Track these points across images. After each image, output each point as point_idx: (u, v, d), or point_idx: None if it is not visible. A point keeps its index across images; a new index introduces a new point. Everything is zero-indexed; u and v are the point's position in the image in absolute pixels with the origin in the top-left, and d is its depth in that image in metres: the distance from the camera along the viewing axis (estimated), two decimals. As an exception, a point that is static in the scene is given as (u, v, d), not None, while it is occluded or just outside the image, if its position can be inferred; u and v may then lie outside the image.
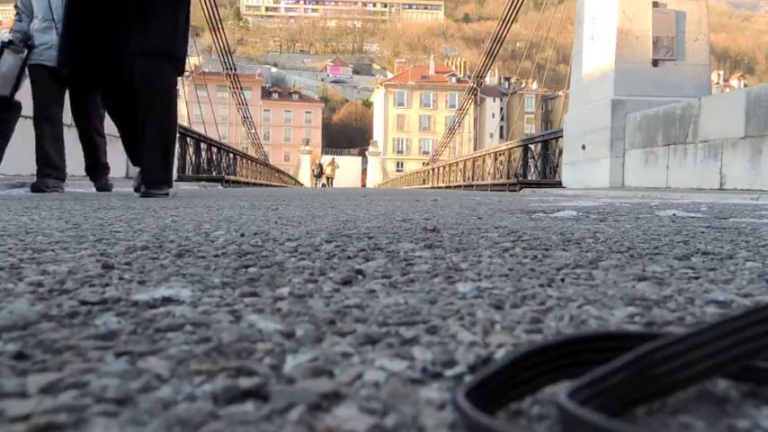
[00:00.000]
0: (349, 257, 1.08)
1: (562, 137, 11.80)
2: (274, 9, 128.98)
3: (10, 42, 4.75)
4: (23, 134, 4.98)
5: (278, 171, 34.78)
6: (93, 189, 5.15)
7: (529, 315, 0.64)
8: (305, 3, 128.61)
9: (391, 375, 0.44)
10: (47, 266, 0.92)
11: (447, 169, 25.31)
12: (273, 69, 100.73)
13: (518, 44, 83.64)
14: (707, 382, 0.40)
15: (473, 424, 0.32)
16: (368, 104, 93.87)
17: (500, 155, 16.90)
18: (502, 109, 60.87)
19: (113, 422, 0.35)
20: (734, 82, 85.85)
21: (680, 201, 4.56)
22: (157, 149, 3.87)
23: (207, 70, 42.48)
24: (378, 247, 1.24)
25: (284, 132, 76.29)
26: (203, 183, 11.27)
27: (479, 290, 0.78)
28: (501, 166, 16.58)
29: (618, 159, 9.36)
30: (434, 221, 1.99)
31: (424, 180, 30.94)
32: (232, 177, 15.53)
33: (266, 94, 76.17)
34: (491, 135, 59.72)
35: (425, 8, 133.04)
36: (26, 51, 4.84)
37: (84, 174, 5.38)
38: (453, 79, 73.07)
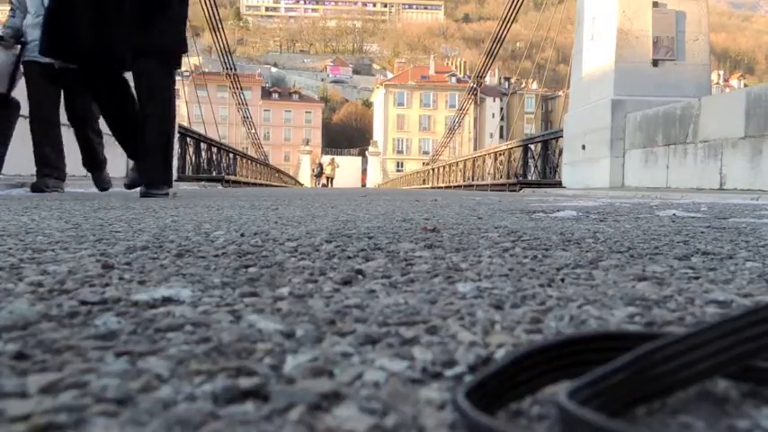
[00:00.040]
0: (349, 257, 1.08)
1: (562, 137, 11.80)
2: (274, 9, 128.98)
3: (0, 38, 4.69)
4: (23, 134, 4.97)
5: (278, 171, 34.78)
6: (94, 189, 5.13)
7: (529, 315, 0.64)
8: (305, 3, 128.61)
9: (391, 375, 0.44)
10: (47, 266, 0.92)
11: (447, 169, 25.31)
12: (273, 69, 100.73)
13: (518, 44, 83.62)
14: (707, 382, 0.40)
15: (473, 424, 0.32)
16: (368, 104, 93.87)
17: (500, 155, 16.91)
18: (502, 109, 60.87)
19: (113, 422, 0.35)
20: (734, 82, 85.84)
21: (680, 201, 4.56)
22: (157, 150, 3.87)
23: (207, 70, 42.48)
24: (378, 247, 1.24)
25: (284, 132, 76.29)
26: (203, 183, 11.28)
27: (479, 290, 0.78)
28: (501, 166, 16.59)
29: (618, 159, 9.36)
30: (434, 221, 1.99)
31: (424, 180, 30.94)
32: (232, 177, 15.53)
33: (266, 94, 76.17)
34: (491, 135, 59.72)
35: (425, 8, 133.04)
36: (18, 47, 4.79)
37: (84, 173, 5.38)
38: (453, 79, 73.06)
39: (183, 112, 20.99)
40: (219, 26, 23.61)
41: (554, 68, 56.34)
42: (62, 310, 0.63)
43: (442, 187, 21.38)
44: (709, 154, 7.18)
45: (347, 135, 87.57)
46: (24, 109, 4.90)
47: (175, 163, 8.30)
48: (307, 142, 71.61)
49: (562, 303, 0.70)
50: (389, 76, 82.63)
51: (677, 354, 0.36)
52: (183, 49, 4.02)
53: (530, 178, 13.62)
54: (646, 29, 9.47)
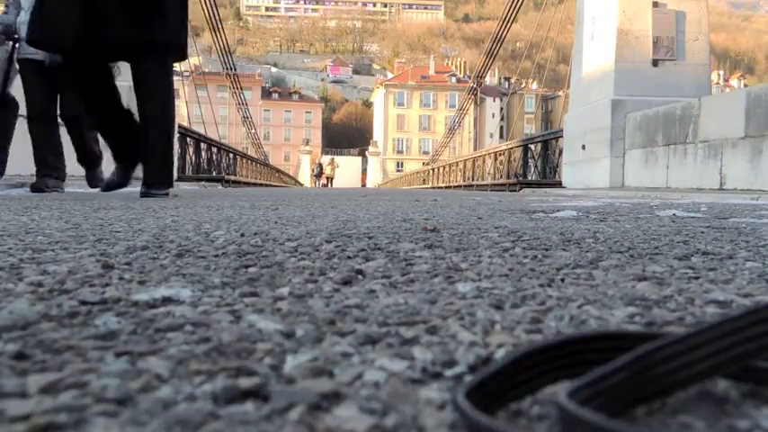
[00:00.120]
0: (349, 257, 1.08)
1: (562, 137, 11.81)
2: (274, 9, 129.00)
3: None
4: (23, 134, 4.97)
5: (278, 171, 34.78)
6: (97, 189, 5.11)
7: (529, 315, 0.64)
8: (305, 3, 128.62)
9: (391, 375, 0.44)
10: (47, 266, 0.92)
11: (447, 169, 25.32)
12: (273, 69, 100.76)
13: (518, 44, 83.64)
14: (707, 382, 0.40)
15: (473, 424, 0.32)
16: (368, 104, 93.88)
17: (500, 155, 16.91)
18: (502, 109, 60.87)
19: (113, 422, 0.35)
20: (734, 82, 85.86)
21: (680, 201, 4.56)
22: (157, 150, 3.86)
23: (207, 70, 42.48)
24: (378, 247, 1.24)
25: (284, 132, 76.31)
26: (203, 183, 11.28)
27: (479, 290, 0.78)
28: (501, 166, 16.59)
29: (618, 159, 9.36)
30: (434, 221, 1.99)
31: (424, 180, 30.95)
32: (232, 177, 15.53)
33: (266, 94, 76.20)
34: (491, 135, 59.73)
35: (425, 8, 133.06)
36: (10, 44, 4.76)
37: (84, 173, 5.37)
38: (453, 79, 73.09)
39: (183, 112, 20.99)
40: (219, 26, 23.61)
41: (554, 68, 56.35)
42: (62, 310, 0.63)
43: (441, 187, 21.39)
44: (709, 154, 7.18)
45: (347, 135, 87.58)
46: (23, 109, 4.89)
47: (175, 163, 8.27)
48: (307, 142, 71.63)
49: (562, 303, 0.70)
50: (389, 76, 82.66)
51: (677, 354, 0.36)
52: (182, 47, 3.95)
53: (530, 178, 13.62)
54: (646, 29, 9.47)
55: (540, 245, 1.30)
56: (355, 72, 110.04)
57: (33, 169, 4.91)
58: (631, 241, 1.40)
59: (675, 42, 9.46)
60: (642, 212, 2.71)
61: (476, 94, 39.77)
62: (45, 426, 0.35)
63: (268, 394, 0.40)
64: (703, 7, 9.64)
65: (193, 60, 25.83)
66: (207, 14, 22.26)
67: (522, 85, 57.79)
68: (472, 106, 43.83)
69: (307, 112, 78.37)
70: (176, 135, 10.69)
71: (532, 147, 14.61)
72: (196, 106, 21.06)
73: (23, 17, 4.62)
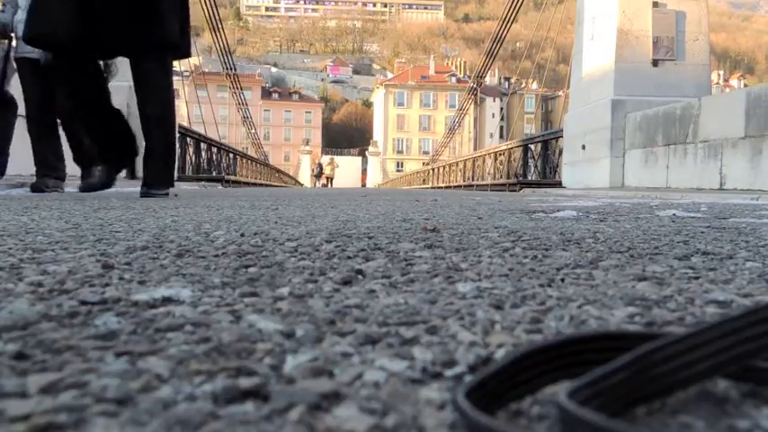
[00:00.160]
0: (349, 257, 1.08)
1: (562, 137, 11.81)
2: (274, 9, 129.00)
3: None
4: (23, 134, 4.97)
5: (278, 171, 34.79)
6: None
7: (529, 315, 0.64)
8: (305, 3, 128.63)
9: (391, 375, 0.44)
10: (47, 266, 0.92)
11: (447, 169, 25.32)
12: (273, 69, 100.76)
13: (518, 44, 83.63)
14: (707, 382, 0.40)
15: (473, 424, 0.32)
16: (368, 104, 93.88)
17: (500, 155, 16.91)
18: (502, 109, 60.87)
19: (113, 422, 0.35)
20: (734, 82, 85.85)
21: (680, 201, 4.56)
22: (158, 150, 3.86)
23: (207, 70, 42.46)
24: (378, 247, 1.24)
25: (284, 132, 76.32)
26: (203, 183, 11.28)
27: (479, 290, 0.78)
28: (501, 166, 16.59)
29: (618, 159, 9.37)
30: (434, 221, 1.99)
31: (424, 180, 30.95)
32: (232, 177, 15.53)
33: (266, 94, 76.20)
34: (491, 135, 59.73)
35: (425, 8, 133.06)
36: (6, 42, 4.75)
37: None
38: (453, 79, 73.09)
39: (183, 112, 20.98)
40: (219, 26, 23.61)
41: (554, 68, 56.35)
42: (62, 310, 0.63)
43: (442, 187, 21.39)
44: (709, 154, 7.19)
45: (347, 135, 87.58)
46: (23, 109, 4.89)
47: (176, 163, 8.26)
48: (307, 142, 71.62)
49: (562, 303, 0.70)
50: (389, 76, 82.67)
51: (677, 354, 0.36)
52: (178, 45, 3.91)
53: (530, 178, 13.62)
54: (646, 29, 9.47)
55: (540, 245, 1.30)
56: (355, 72, 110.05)
57: (33, 169, 4.91)
58: (631, 241, 1.40)
59: (675, 42, 9.46)
60: (642, 212, 2.71)
61: (476, 94, 39.78)
62: (45, 426, 0.35)
63: (268, 394, 0.40)
64: (703, 7, 9.64)
65: (193, 60, 25.82)
66: (207, 14, 22.25)
67: (522, 85, 57.79)
68: (472, 106, 43.83)
69: (307, 112, 78.37)
70: (176, 135, 10.68)
71: (532, 147, 14.61)
72: (196, 106, 21.06)
73: (20, 15, 4.58)
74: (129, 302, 0.68)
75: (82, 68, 3.69)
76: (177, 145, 11.55)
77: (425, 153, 64.30)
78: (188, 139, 13.65)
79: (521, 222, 2.01)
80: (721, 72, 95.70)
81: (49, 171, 4.77)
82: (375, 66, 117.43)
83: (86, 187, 4.14)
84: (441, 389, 0.42)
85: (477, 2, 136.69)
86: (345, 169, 55.45)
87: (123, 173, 4.34)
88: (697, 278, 0.89)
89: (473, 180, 18.55)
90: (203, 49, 43.63)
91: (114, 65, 4.41)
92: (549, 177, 12.82)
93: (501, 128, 59.13)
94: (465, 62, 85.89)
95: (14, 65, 4.79)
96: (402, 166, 66.26)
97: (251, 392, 0.40)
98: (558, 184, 11.11)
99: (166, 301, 0.69)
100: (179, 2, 3.86)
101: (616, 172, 9.34)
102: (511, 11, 22.74)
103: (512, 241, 1.37)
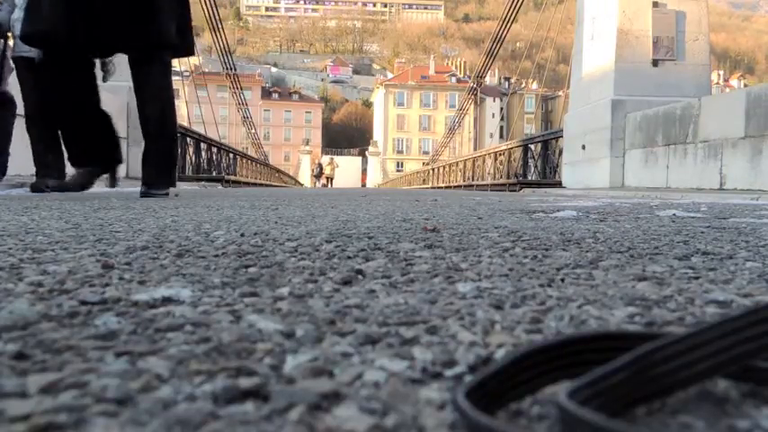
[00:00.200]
0: (349, 257, 1.08)
1: (562, 137, 11.81)
2: (274, 9, 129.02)
3: None
4: (23, 134, 4.96)
5: (278, 171, 34.79)
6: (94, 189, 5.10)
7: (529, 315, 0.64)
8: (305, 3, 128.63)
9: (391, 375, 0.44)
10: (47, 266, 0.92)
11: (447, 169, 25.32)
12: (273, 69, 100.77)
13: (518, 44, 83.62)
14: (707, 382, 0.40)
15: (473, 424, 0.32)
16: (368, 104, 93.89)
17: (500, 155, 16.92)
18: (502, 109, 60.88)
19: (113, 422, 0.35)
20: (734, 82, 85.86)
21: (680, 201, 4.56)
22: (158, 150, 3.86)
23: (207, 70, 42.48)
24: (378, 247, 1.24)
25: (284, 132, 76.32)
26: (203, 183, 11.29)
27: (479, 290, 0.78)
28: (501, 166, 16.59)
29: (618, 159, 9.37)
30: (434, 221, 1.99)
31: (424, 180, 30.96)
32: (232, 177, 15.54)
33: (266, 94, 76.21)
34: (491, 135, 59.73)
35: (425, 8, 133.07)
36: (3, 41, 4.73)
37: None
38: (453, 79, 73.10)
39: (183, 112, 21.00)
40: (219, 26, 23.61)
41: (554, 68, 56.34)
42: (62, 310, 0.63)
43: (442, 187, 21.39)
44: (709, 154, 7.19)
45: (347, 135, 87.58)
46: (22, 108, 4.89)
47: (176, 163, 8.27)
48: (307, 142, 71.63)
49: (562, 303, 0.70)
50: (389, 76, 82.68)
51: (677, 354, 0.36)
52: (176, 44, 3.89)
53: (530, 178, 13.63)
54: (646, 29, 9.48)
55: (540, 245, 1.30)
56: (355, 72, 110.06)
57: (33, 169, 4.91)
58: (631, 241, 1.40)
59: (675, 42, 9.47)
60: (642, 212, 2.71)
61: (476, 94, 39.77)
62: (45, 426, 0.35)
63: (268, 394, 0.40)
64: (703, 7, 9.64)
65: (193, 60, 25.80)
66: (207, 14, 22.25)
67: (522, 85, 57.78)
68: (472, 106, 43.83)
69: (307, 112, 78.38)
70: (177, 135, 10.68)
71: (532, 147, 14.62)
72: (196, 106, 21.07)
73: (17, 14, 4.56)
74: (129, 302, 0.68)
75: (74, 68, 3.68)
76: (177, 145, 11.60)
77: (425, 153, 64.30)
78: (188, 139, 13.65)
79: (521, 222, 2.01)
80: (721, 72, 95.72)
81: (49, 171, 4.76)
82: (375, 66, 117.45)
83: (59, 186, 4.10)
84: (441, 389, 0.42)
85: (477, 2, 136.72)
86: (345, 169, 55.42)
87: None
88: (697, 278, 0.89)
89: (473, 180, 18.56)
90: (203, 49, 43.65)
91: (112, 63, 4.40)
92: (549, 177, 12.82)
93: (501, 128, 59.13)
94: (465, 62, 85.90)
95: (12, 64, 4.78)
96: (402, 167, 66.26)
97: (251, 392, 0.40)
98: (558, 184, 11.11)
99: (166, 301, 0.69)
100: (177, 1, 3.85)
101: (616, 172, 9.34)
102: (511, 11, 22.74)
103: (512, 241, 1.37)
